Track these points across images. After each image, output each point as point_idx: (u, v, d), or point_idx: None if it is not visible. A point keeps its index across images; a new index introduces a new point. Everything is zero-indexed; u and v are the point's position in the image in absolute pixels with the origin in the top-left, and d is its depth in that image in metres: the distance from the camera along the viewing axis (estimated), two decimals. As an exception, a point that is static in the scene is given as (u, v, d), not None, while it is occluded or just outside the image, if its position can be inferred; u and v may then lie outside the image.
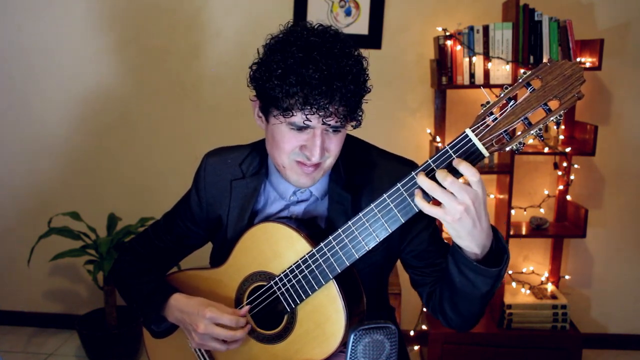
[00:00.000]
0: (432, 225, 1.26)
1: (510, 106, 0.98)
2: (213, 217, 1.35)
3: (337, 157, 1.19)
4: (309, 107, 1.07)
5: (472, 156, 1.00)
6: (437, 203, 1.00)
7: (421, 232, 1.24)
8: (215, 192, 1.34)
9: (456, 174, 1.00)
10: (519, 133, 0.99)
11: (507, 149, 1.00)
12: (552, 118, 0.96)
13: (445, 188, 0.97)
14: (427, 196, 1.01)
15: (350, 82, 1.08)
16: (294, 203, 1.28)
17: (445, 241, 1.29)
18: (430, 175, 1.01)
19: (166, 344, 1.38)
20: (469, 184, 0.98)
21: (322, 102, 1.06)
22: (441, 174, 0.98)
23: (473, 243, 1.02)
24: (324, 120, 1.09)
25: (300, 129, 1.11)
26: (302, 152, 1.14)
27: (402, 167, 1.27)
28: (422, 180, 0.99)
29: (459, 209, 0.97)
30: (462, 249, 1.05)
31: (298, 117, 1.09)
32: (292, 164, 1.16)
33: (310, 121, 1.09)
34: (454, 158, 1.00)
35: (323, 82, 1.05)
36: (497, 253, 1.07)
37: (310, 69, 1.04)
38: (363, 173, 1.26)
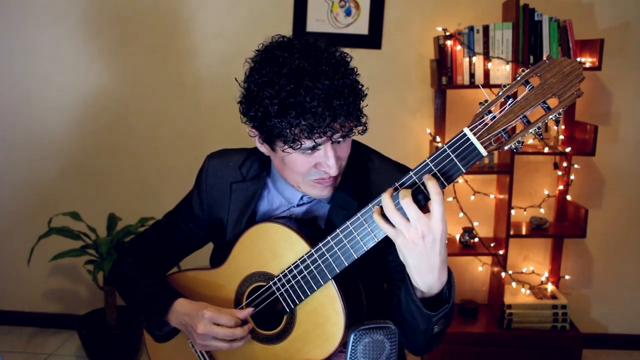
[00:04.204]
0: None
1: (509, 104, 0.97)
2: (214, 219, 1.35)
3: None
4: (315, 133, 1.05)
5: (470, 155, 0.99)
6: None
7: None
8: (216, 194, 1.34)
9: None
10: (518, 132, 0.99)
11: (506, 147, 0.99)
12: (551, 116, 0.96)
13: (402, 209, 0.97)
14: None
15: (349, 95, 1.06)
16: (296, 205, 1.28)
17: None
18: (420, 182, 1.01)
19: (167, 344, 1.38)
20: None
21: (327, 123, 1.04)
22: (402, 193, 0.98)
23: (418, 276, 1.01)
24: (332, 138, 1.09)
25: (311, 150, 1.10)
26: (318, 169, 1.13)
27: (400, 175, 1.27)
28: (384, 197, 1.00)
29: (407, 237, 0.97)
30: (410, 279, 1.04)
31: (307, 143, 1.07)
32: (308, 182, 1.16)
33: (320, 143, 1.08)
34: (451, 157, 1.00)
35: (323, 106, 1.02)
36: (447, 299, 1.05)
37: (307, 96, 1.01)
38: (367, 180, 1.25)
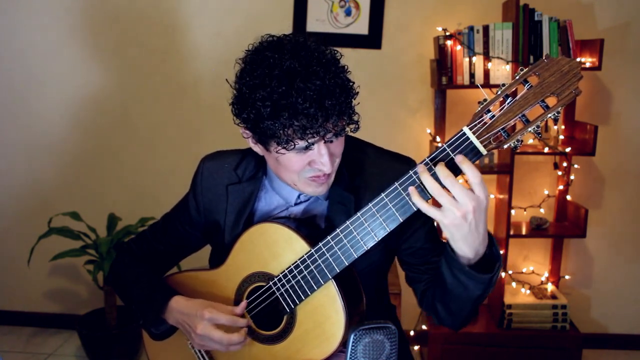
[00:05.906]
0: (429, 223, 1.26)
1: (508, 103, 0.98)
2: (211, 222, 1.35)
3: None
4: (308, 134, 1.05)
5: (470, 154, 1.00)
6: (436, 202, 0.99)
7: (418, 229, 1.25)
8: (212, 197, 1.33)
9: (456, 172, 0.99)
10: (517, 130, 0.99)
11: (505, 146, 0.99)
12: (549, 115, 0.96)
13: (446, 189, 0.97)
14: (424, 193, 1.01)
15: (340, 95, 1.06)
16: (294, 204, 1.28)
17: (442, 240, 1.28)
18: (430, 172, 1.00)
19: (166, 345, 1.38)
20: (470, 188, 0.97)
21: (320, 124, 1.04)
22: (443, 172, 0.97)
23: (466, 247, 1.01)
24: (325, 138, 1.09)
25: (305, 150, 1.10)
26: (312, 167, 1.13)
27: (401, 165, 1.26)
28: (426, 178, 0.99)
29: (458, 215, 0.96)
30: (455, 251, 1.04)
31: (300, 144, 1.08)
32: (303, 180, 1.16)
33: (313, 142, 1.08)
34: (453, 157, 1.00)
35: (315, 107, 1.02)
36: (491, 259, 1.07)
37: (299, 98, 1.01)
38: (363, 173, 1.26)
